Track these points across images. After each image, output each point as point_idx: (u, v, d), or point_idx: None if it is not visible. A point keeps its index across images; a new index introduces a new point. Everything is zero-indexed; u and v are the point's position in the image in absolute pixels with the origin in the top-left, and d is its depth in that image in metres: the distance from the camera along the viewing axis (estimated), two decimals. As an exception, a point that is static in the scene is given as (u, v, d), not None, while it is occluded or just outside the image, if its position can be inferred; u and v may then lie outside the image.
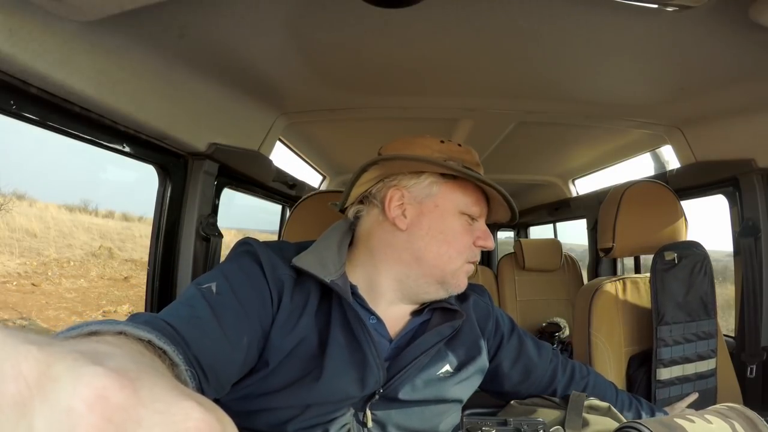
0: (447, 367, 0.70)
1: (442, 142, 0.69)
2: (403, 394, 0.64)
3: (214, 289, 0.55)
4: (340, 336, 0.62)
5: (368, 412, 0.63)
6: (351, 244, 0.72)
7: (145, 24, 0.72)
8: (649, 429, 0.53)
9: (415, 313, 0.71)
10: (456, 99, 1.22)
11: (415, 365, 0.65)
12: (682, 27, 0.74)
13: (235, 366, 0.54)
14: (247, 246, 0.63)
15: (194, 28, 0.77)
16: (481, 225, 0.70)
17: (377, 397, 0.63)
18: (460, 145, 0.71)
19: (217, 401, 0.60)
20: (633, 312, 1.16)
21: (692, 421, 0.56)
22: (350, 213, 0.72)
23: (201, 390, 0.48)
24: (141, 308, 1.10)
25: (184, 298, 0.55)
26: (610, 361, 1.11)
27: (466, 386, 0.73)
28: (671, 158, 1.53)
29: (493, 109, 1.29)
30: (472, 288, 0.80)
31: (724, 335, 1.24)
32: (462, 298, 0.76)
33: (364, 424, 0.63)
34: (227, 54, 0.89)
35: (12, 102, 0.68)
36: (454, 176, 0.67)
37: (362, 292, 0.67)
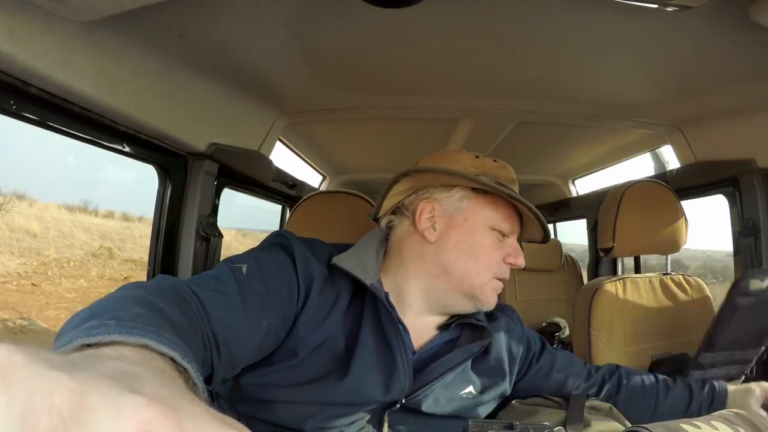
0: (470, 389, 0.70)
1: (477, 157, 0.70)
2: (425, 407, 0.65)
3: (244, 270, 0.56)
4: (370, 338, 0.62)
5: (386, 420, 0.63)
6: (384, 252, 0.73)
7: (145, 24, 0.72)
8: (652, 432, 0.53)
9: (442, 328, 0.71)
10: (456, 99, 1.22)
11: (441, 381, 0.65)
12: (682, 27, 0.74)
13: (249, 348, 0.55)
14: (282, 238, 0.65)
15: (194, 28, 0.77)
16: (512, 242, 0.70)
17: (398, 406, 0.64)
18: (495, 161, 0.71)
19: (236, 381, 0.60)
20: (633, 312, 1.16)
21: (698, 427, 0.55)
22: (383, 223, 0.73)
23: (211, 366, 0.49)
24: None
25: (214, 272, 0.56)
26: (611, 361, 1.10)
27: (485, 408, 0.73)
28: (671, 158, 1.53)
29: (493, 109, 1.29)
30: (502, 309, 0.79)
31: (724, 335, 1.24)
32: (491, 317, 0.76)
33: (380, 431, 0.63)
34: (227, 54, 0.89)
35: (12, 102, 0.68)
36: (485, 191, 0.68)
37: (392, 300, 0.67)
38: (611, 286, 1.17)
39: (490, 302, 0.68)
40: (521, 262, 0.69)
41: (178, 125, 0.99)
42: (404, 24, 0.79)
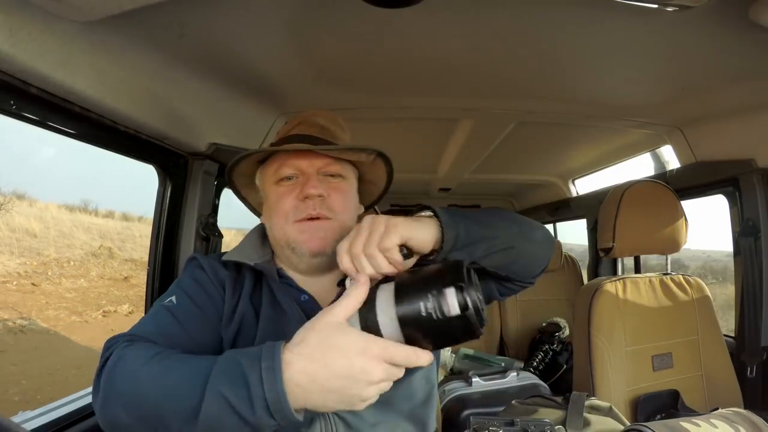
0: None
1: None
2: None
3: (174, 301, 0.64)
4: (271, 312, 0.67)
5: None
6: None
7: (145, 24, 0.72)
8: None
9: (341, 284, 0.71)
10: (456, 99, 1.22)
11: None
12: (682, 27, 0.74)
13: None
14: (194, 261, 0.73)
15: (194, 27, 0.77)
16: (304, 178, 0.69)
17: None
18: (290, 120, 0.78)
19: None
20: (633, 312, 1.16)
21: (698, 425, 0.55)
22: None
23: None
24: (141, 308, 1.10)
25: (150, 315, 0.63)
26: (611, 361, 1.11)
27: None
28: (671, 158, 1.53)
29: (493, 109, 1.29)
30: None
31: (724, 335, 1.24)
32: None
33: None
34: (227, 54, 0.89)
35: (12, 102, 0.68)
36: (267, 158, 0.74)
37: (290, 273, 0.72)
38: (611, 286, 1.17)
39: (307, 244, 0.67)
40: (309, 189, 0.66)
41: (178, 125, 0.99)
42: (404, 24, 0.79)
